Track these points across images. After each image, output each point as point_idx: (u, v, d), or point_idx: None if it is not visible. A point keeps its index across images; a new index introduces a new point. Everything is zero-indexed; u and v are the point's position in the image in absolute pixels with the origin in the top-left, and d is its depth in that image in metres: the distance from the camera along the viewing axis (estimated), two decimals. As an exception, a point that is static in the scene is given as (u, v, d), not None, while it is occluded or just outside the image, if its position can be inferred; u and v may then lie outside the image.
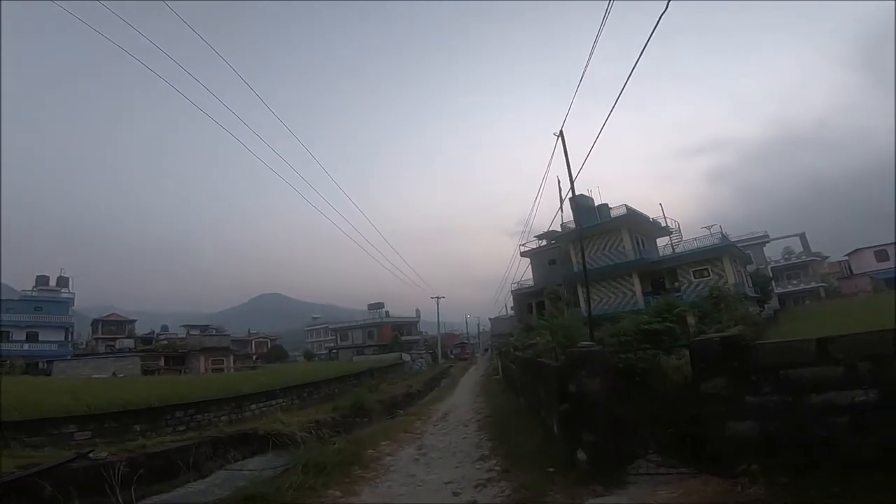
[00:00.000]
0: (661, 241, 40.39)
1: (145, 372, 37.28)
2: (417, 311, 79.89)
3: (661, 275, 36.29)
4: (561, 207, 28.43)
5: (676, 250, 37.27)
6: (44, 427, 10.83)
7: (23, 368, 33.01)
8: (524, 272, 46.22)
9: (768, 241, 55.65)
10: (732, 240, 37.09)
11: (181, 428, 15.05)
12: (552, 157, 16.55)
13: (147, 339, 67.43)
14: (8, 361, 31.22)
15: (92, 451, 8.26)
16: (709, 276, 33.67)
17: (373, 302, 74.93)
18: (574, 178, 14.40)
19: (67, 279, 57.70)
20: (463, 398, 21.18)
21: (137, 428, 13.58)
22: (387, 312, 73.17)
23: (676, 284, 35.37)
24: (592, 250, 37.24)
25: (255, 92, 17.41)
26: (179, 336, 67.70)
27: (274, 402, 20.93)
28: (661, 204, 43.78)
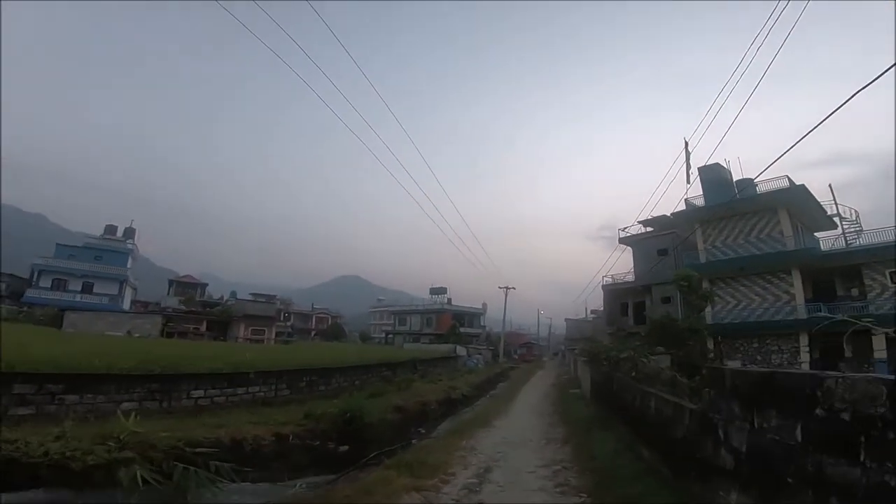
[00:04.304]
0: (821, 236, 28.58)
1: (169, 334, 33.12)
2: (484, 304, 71.91)
3: (829, 275, 25.09)
4: (688, 176, 19.22)
5: (852, 245, 25.78)
6: None
7: (39, 318, 29.54)
8: (611, 267, 36.43)
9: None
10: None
11: (25, 412, 8.60)
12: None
13: (212, 304, 66.39)
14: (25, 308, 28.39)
15: None
16: (917, 279, 22.17)
17: (435, 286, 67.93)
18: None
19: (134, 230, 57.06)
20: (525, 425, 12.87)
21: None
22: (449, 300, 65.84)
23: (856, 290, 24.07)
24: (730, 236, 27.00)
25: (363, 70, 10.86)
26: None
27: (241, 390, 14.15)
28: (830, 185, 31.49)
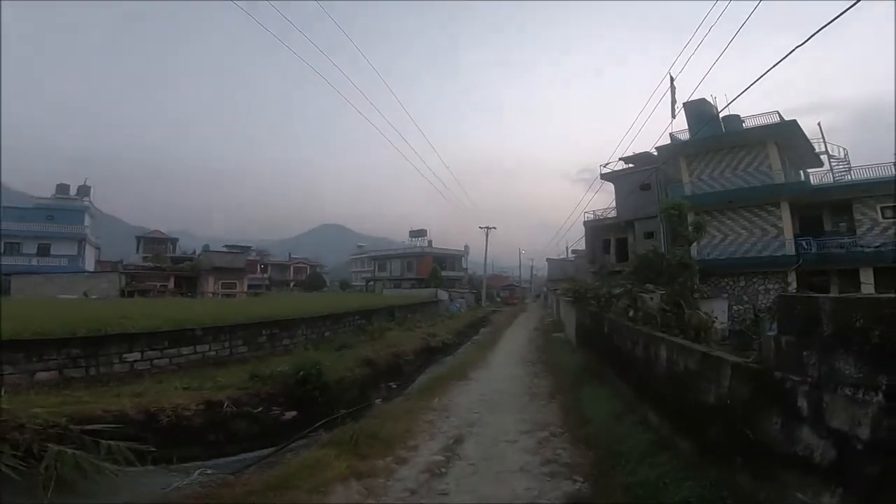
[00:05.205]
0: (809, 172, 27.44)
1: (129, 293, 31.00)
2: (466, 246, 70.91)
3: (817, 210, 24.20)
4: (673, 111, 17.39)
5: (840, 180, 24.74)
6: None
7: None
8: (590, 204, 35.01)
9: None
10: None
11: None
12: None
13: (183, 259, 63.75)
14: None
15: None
16: (912, 215, 21.32)
17: (415, 229, 66.04)
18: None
19: (89, 188, 53.15)
20: (506, 376, 11.72)
21: None
22: (430, 242, 64.34)
23: (844, 226, 23.26)
24: (716, 169, 25.73)
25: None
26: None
27: (187, 350, 12.55)
28: (819, 124, 30.04)
